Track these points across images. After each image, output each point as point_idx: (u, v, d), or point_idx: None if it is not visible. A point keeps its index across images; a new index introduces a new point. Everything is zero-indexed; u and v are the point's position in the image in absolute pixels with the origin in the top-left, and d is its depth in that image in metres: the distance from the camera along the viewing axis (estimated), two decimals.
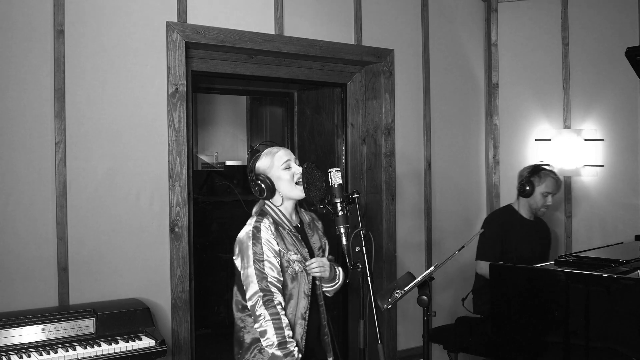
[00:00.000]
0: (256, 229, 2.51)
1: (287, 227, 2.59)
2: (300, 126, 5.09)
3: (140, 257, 3.33)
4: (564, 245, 4.58)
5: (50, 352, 2.76)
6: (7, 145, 3.02)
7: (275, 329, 2.40)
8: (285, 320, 2.44)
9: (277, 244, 2.51)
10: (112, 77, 3.27)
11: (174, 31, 3.42)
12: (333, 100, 4.56)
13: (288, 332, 2.42)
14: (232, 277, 2.66)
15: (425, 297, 2.75)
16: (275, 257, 2.49)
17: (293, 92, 5.31)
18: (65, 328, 2.88)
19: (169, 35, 3.41)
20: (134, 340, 2.92)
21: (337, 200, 2.46)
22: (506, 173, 4.76)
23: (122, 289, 3.26)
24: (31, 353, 2.74)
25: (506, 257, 3.84)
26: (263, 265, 2.46)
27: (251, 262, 2.47)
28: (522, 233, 3.97)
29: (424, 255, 4.50)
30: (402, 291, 2.67)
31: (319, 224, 2.80)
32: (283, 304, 2.48)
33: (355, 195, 2.49)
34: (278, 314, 2.43)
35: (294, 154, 2.71)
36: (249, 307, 2.49)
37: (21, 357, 2.70)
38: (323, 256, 2.70)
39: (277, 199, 2.61)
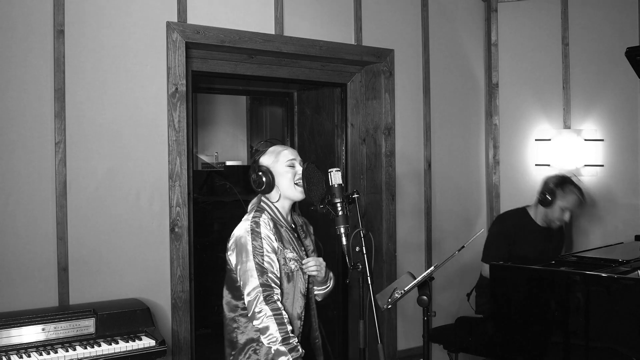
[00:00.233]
0: (255, 224, 2.48)
1: (284, 225, 2.57)
2: (300, 126, 5.09)
3: (140, 257, 3.33)
4: (564, 245, 4.58)
5: (50, 352, 2.76)
6: (7, 145, 3.02)
7: (278, 324, 2.37)
8: (286, 316, 2.41)
9: (275, 241, 2.49)
10: (112, 77, 3.27)
11: (174, 31, 3.42)
12: (333, 100, 4.56)
13: (290, 327, 2.40)
14: None
15: (425, 297, 2.75)
16: (274, 254, 2.47)
17: (293, 92, 5.31)
18: (65, 328, 2.88)
19: (169, 35, 3.41)
20: (134, 340, 2.92)
21: (337, 200, 2.45)
22: (506, 173, 4.76)
23: (122, 289, 3.26)
24: (31, 353, 2.74)
25: (512, 261, 3.79)
26: (263, 260, 2.43)
27: (251, 257, 2.43)
28: (531, 239, 3.85)
29: (424, 255, 4.50)
30: (402, 291, 2.66)
31: (311, 229, 2.79)
32: (281, 299, 2.45)
33: (355, 195, 2.48)
34: (279, 309, 2.39)
35: None
36: (245, 303, 2.44)
37: (21, 357, 2.70)
38: (318, 257, 2.68)
39: (274, 195, 2.58)
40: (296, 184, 2.56)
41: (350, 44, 4.08)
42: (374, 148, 4.32)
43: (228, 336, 2.56)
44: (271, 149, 2.65)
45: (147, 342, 2.93)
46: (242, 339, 2.51)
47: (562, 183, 3.77)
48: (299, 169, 2.59)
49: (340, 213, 2.45)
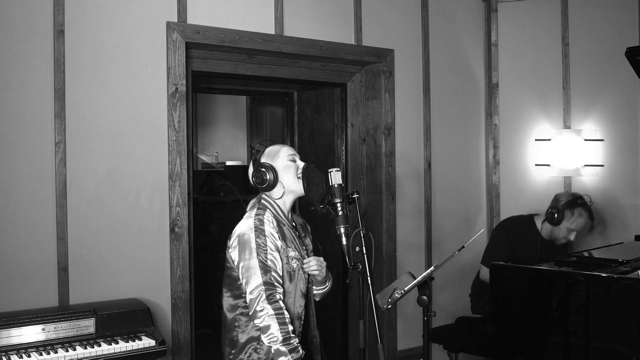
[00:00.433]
0: (259, 221, 2.46)
1: (286, 224, 2.57)
2: (300, 126, 5.09)
3: (140, 257, 3.33)
4: None
5: (50, 352, 2.76)
6: (7, 145, 3.02)
7: (280, 324, 2.36)
8: (287, 316, 2.40)
9: (279, 239, 2.48)
10: (112, 77, 3.27)
11: (174, 31, 3.42)
12: (333, 100, 4.56)
13: (291, 328, 2.40)
14: None
15: (425, 297, 2.75)
16: (277, 252, 2.46)
17: (293, 92, 5.30)
18: (65, 328, 2.88)
19: (169, 35, 3.41)
20: (134, 340, 2.92)
21: (337, 200, 2.46)
22: (506, 173, 4.76)
23: (122, 289, 3.26)
24: (31, 353, 2.74)
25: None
26: (266, 257, 2.42)
27: (254, 254, 2.42)
28: (533, 250, 3.80)
29: (424, 255, 4.50)
30: (402, 291, 2.66)
31: (309, 229, 2.79)
32: (283, 299, 2.45)
33: (355, 195, 2.48)
34: (281, 308, 2.39)
35: None
36: (247, 301, 2.43)
37: (21, 357, 2.70)
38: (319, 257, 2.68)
39: (276, 192, 2.57)
40: (299, 177, 2.56)
41: (350, 44, 4.08)
42: (374, 148, 4.32)
43: (228, 335, 2.55)
44: (269, 148, 2.65)
45: (147, 342, 2.93)
46: (242, 338, 2.50)
47: (572, 204, 3.72)
48: (300, 163, 2.60)
49: (340, 213, 2.45)
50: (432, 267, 2.79)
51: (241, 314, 2.51)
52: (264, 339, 2.39)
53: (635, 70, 3.28)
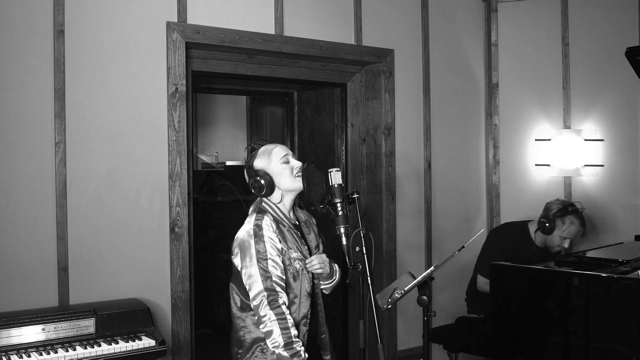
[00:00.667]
0: (258, 227, 2.48)
1: (287, 225, 2.58)
2: (300, 126, 5.09)
3: (140, 257, 3.33)
4: None
5: (50, 352, 2.76)
6: (7, 145, 3.02)
7: (281, 329, 2.38)
8: (290, 320, 2.41)
9: (280, 242, 2.49)
10: (112, 77, 3.27)
11: (174, 31, 3.42)
12: (333, 100, 4.56)
13: (294, 332, 2.41)
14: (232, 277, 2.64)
15: (425, 297, 2.75)
16: (279, 256, 2.47)
17: (293, 92, 5.30)
18: (65, 328, 2.88)
19: (169, 35, 3.41)
20: (134, 340, 2.92)
21: (337, 200, 2.45)
22: (506, 173, 4.76)
23: (122, 289, 3.26)
24: (31, 353, 2.74)
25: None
26: (267, 264, 2.43)
27: (254, 261, 2.43)
28: (528, 254, 3.80)
29: (424, 255, 4.50)
30: (402, 291, 2.66)
31: (313, 220, 2.79)
32: (287, 303, 2.46)
33: (355, 195, 2.48)
34: (283, 313, 2.40)
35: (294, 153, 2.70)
36: (252, 308, 2.45)
37: (21, 357, 2.70)
38: (320, 254, 2.69)
39: (275, 196, 2.59)
40: (297, 176, 2.56)
41: (350, 44, 4.08)
42: (374, 148, 4.32)
43: (235, 335, 2.57)
44: (261, 150, 2.65)
45: (147, 342, 2.93)
46: (249, 338, 2.51)
47: (564, 212, 3.72)
48: (295, 162, 2.59)
49: (340, 213, 2.45)
50: (432, 267, 2.79)
51: (247, 314, 2.52)
52: (268, 343, 2.41)
53: (635, 70, 3.28)
